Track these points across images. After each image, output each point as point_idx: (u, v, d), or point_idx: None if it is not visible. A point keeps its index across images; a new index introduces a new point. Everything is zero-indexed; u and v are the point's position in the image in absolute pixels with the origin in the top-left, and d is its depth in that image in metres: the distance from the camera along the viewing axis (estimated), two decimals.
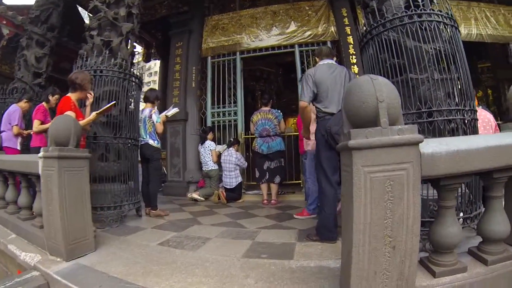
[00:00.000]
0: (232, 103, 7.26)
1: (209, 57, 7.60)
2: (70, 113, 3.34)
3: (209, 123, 7.30)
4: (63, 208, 2.66)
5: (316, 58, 3.53)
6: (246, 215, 4.73)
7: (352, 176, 1.43)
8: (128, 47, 4.73)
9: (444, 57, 2.68)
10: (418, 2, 2.73)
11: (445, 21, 2.76)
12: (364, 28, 3.07)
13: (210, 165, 6.49)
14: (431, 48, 2.64)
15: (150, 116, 4.73)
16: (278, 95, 13.27)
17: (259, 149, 5.70)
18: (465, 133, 2.64)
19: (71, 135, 2.80)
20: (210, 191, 6.40)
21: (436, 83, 2.62)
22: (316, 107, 3.21)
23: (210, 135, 6.64)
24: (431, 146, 1.54)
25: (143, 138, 4.77)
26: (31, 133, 4.83)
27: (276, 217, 4.44)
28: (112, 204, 4.07)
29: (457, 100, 2.68)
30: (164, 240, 3.34)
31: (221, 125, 7.28)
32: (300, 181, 6.70)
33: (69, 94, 3.60)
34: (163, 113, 4.97)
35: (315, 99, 3.16)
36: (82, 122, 3.42)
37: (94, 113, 3.61)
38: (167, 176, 7.58)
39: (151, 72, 48.04)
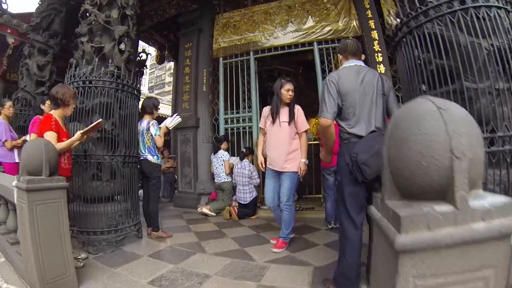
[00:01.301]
0: (246, 108, 6.66)
1: (221, 58, 7.02)
2: (50, 135, 2.95)
3: (221, 130, 6.75)
4: (37, 245, 2.37)
5: (339, 56, 2.68)
6: (256, 240, 4.16)
7: None
8: (123, 53, 4.22)
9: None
10: None
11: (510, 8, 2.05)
12: (398, 19, 2.41)
13: (222, 177, 5.95)
14: (491, 45, 1.94)
15: (148, 129, 4.20)
16: (299, 95, 12.60)
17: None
18: None
19: (43, 164, 2.49)
20: (222, 205, 5.88)
21: (501, 94, 1.93)
22: (339, 126, 2.47)
23: (224, 145, 6.10)
24: None
25: (142, 153, 4.26)
26: (27, 138, 4.51)
27: (289, 245, 3.83)
28: (106, 228, 3.68)
29: None
30: (156, 277, 2.88)
31: (235, 132, 6.69)
32: (320, 195, 6.03)
33: (51, 112, 3.18)
34: (164, 124, 4.43)
35: (338, 114, 2.44)
36: (63, 144, 3.01)
37: (78, 133, 3.13)
38: (178, 187, 7.08)
39: (171, 72, 48.17)
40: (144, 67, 10.06)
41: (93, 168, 3.78)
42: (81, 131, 3.14)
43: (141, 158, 4.25)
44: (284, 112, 3.70)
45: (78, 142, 3.20)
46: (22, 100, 6.01)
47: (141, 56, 9.85)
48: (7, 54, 7.34)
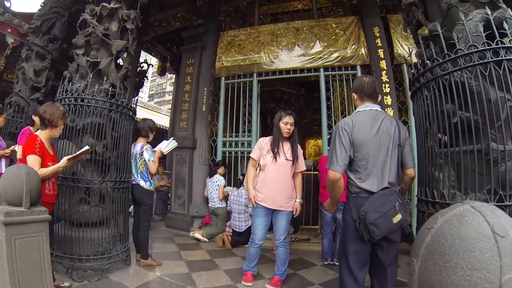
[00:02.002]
0: (246, 132, 6.42)
1: (223, 78, 6.80)
2: (33, 159, 2.72)
3: (219, 153, 6.50)
4: (15, 281, 2.17)
5: (354, 95, 2.45)
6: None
7: None
8: (120, 70, 4.00)
9: None
10: (505, 30, 1.84)
11: None
12: (419, 59, 2.21)
13: (216, 202, 5.69)
14: None
15: (142, 154, 3.96)
16: (299, 116, 12.46)
17: None
18: None
19: (23, 194, 2.28)
20: (216, 230, 5.62)
21: None
22: (348, 177, 2.26)
23: (221, 169, 5.86)
24: None
25: (134, 177, 4.02)
26: (15, 149, 4.22)
27: (284, 282, 3.62)
28: (92, 256, 3.44)
29: None
30: None
31: (233, 156, 6.44)
32: (317, 226, 5.77)
33: (38, 132, 2.95)
34: (158, 148, 4.18)
35: (349, 166, 2.23)
36: (47, 170, 2.78)
37: (64, 159, 2.90)
38: (171, 208, 6.79)
39: (172, 82, 48.08)
40: (145, 78, 9.94)
41: (81, 192, 3.55)
42: (67, 157, 2.92)
43: (133, 183, 4.01)
44: (285, 149, 3.51)
45: (63, 168, 2.98)
46: (15, 106, 5.74)
47: (143, 66, 9.74)
48: (5, 54, 7.16)
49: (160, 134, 6.32)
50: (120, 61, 4.15)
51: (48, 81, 6.18)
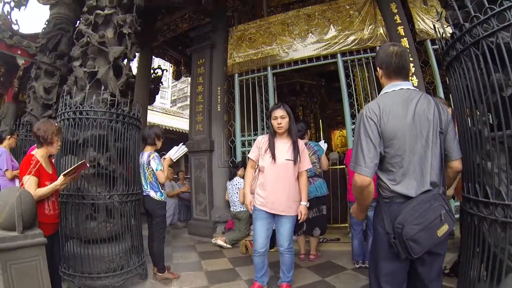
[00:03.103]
0: (265, 128, 6.02)
1: (236, 75, 6.46)
2: (29, 180, 2.56)
3: (238, 154, 6.18)
4: None
5: (378, 71, 1.92)
6: (272, 284, 3.55)
7: None
8: (121, 77, 3.75)
9: None
10: None
11: None
12: (452, 25, 1.78)
13: (238, 205, 5.39)
14: None
15: (149, 163, 3.69)
16: (321, 107, 12.05)
17: None
18: None
19: (15, 219, 2.15)
20: (239, 235, 5.32)
21: None
22: (378, 178, 1.78)
23: (241, 171, 5.53)
24: None
25: (144, 188, 3.78)
26: None
27: None
28: (103, 274, 3.27)
29: None
30: None
31: None
32: (347, 225, 5.34)
33: (34, 151, 2.80)
34: (168, 155, 3.91)
35: (379, 164, 1.75)
36: (44, 190, 2.61)
37: (61, 177, 2.72)
38: (192, 214, 6.56)
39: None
40: (160, 83, 9.80)
41: (88, 208, 3.36)
42: (64, 173, 2.72)
43: (144, 194, 3.78)
44: (285, 147, 3.11)
45: (63, 185, 2.79)
46: (27, 125, 5.73)
47: (157, 72, 9.60)
48: (18, 75, 7.26)
49: (183, 139, 6.12)
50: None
51: (59, 97, 6.08)
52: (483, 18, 1.51)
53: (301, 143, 3.18)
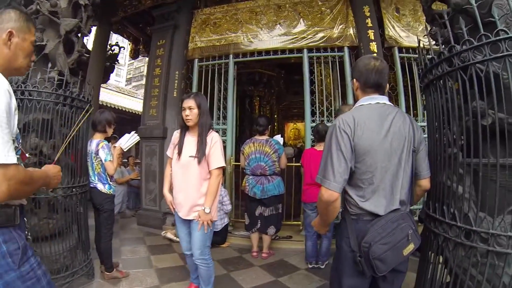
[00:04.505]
0: (221, 118, 5.81)
1: (196, 60, 6.13)
2: None
3: None
4: None
5: (354, 83, 1.83)
6: (224, 284, 3.53)
7: None
8: (72, 54, 3.37)
9: None
10: None
11: None
12: (440, 43, 1.72)
13: None
14: None
15: (97, 152, 3.38)
16: (278, 99, 12.03)
17: (251, 192, 4.32)
18: None
19: None
20: None
21: None
22: (346, 193, 1.70)
23: None
24: None
25: (92, 180, 3.47)
26: None
27: None
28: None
29: None
30: None
31: None
32: (299, 222, 5.35)
33: None
34: (118, 144, 3.62)
35: (348, 179, 1.65)
36: None
37: None
38: (142, 204, 6.26)
39: None
40: (116, 62, 9.17)
41: (28, 203, 2.93)
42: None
43: (91, 186, 3.47)
44: (193, 143, 2.72)
45: None
46: None
47: (114, 49, 8.96)
48: None
49: (136, 120, 5.68)
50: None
51: None
52: (476, 44, 1.46)
53: (211, 137, 2.73)
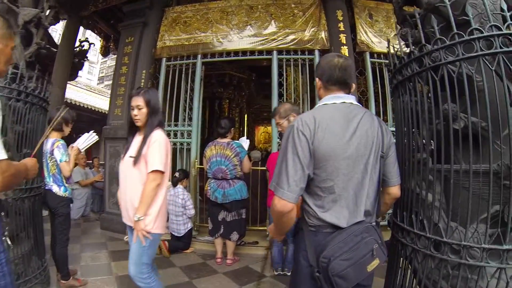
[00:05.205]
0: (186, 120, 5.63)
1: (164, 59, 5.92)
2: None
3: None
4: None
5: (317, 82, 1.66)
6: None
7: None
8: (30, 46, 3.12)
9: None
10: None
11: None
12: (411, 43, 1.64)
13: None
14: None
15: (52, 152, 3.14)
16: (248, 102, 11.96)
17: (212, 196, 4.15)
18: None
19: None
20: None
21: None
22: (304, 202, 1.53)
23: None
24: None
25: (47, 182, 3.22)
26: None
27: None
28: None
29: None
30: None
31: (172, 149, 5.62)
32: (266, 227, 5.23)
33: None
34: (76, 144, 3.39)
35: (306, 187, 1.47)
36: None
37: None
38: (105, 207, 5.96)
39: None
40: (85, 59, 8.76)
41: None
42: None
43: (46, 188, 3.22)
44: (138, 144, 2.41)
45: None
46: None
47: (83, 45, 8.55)
48: None
49: (104, 121, 5.44)
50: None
51: None
52: (449, 42, 1.38)
53: (154, 137, 2.36)
